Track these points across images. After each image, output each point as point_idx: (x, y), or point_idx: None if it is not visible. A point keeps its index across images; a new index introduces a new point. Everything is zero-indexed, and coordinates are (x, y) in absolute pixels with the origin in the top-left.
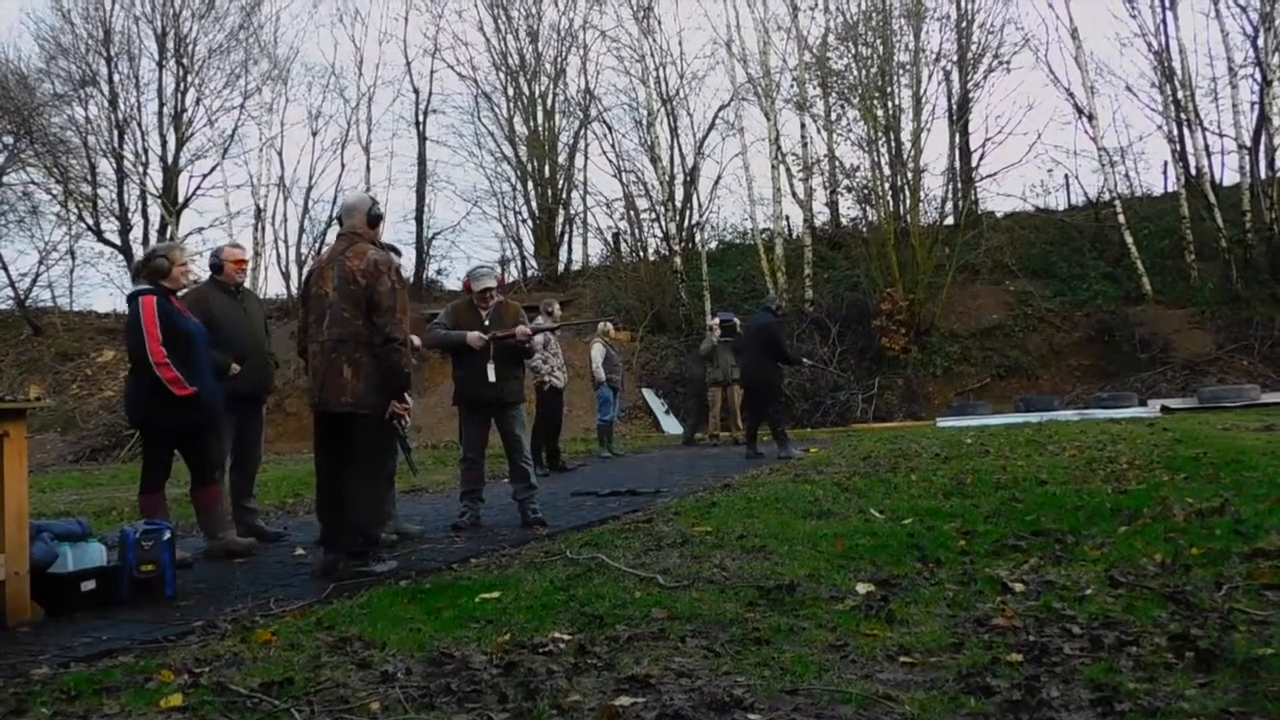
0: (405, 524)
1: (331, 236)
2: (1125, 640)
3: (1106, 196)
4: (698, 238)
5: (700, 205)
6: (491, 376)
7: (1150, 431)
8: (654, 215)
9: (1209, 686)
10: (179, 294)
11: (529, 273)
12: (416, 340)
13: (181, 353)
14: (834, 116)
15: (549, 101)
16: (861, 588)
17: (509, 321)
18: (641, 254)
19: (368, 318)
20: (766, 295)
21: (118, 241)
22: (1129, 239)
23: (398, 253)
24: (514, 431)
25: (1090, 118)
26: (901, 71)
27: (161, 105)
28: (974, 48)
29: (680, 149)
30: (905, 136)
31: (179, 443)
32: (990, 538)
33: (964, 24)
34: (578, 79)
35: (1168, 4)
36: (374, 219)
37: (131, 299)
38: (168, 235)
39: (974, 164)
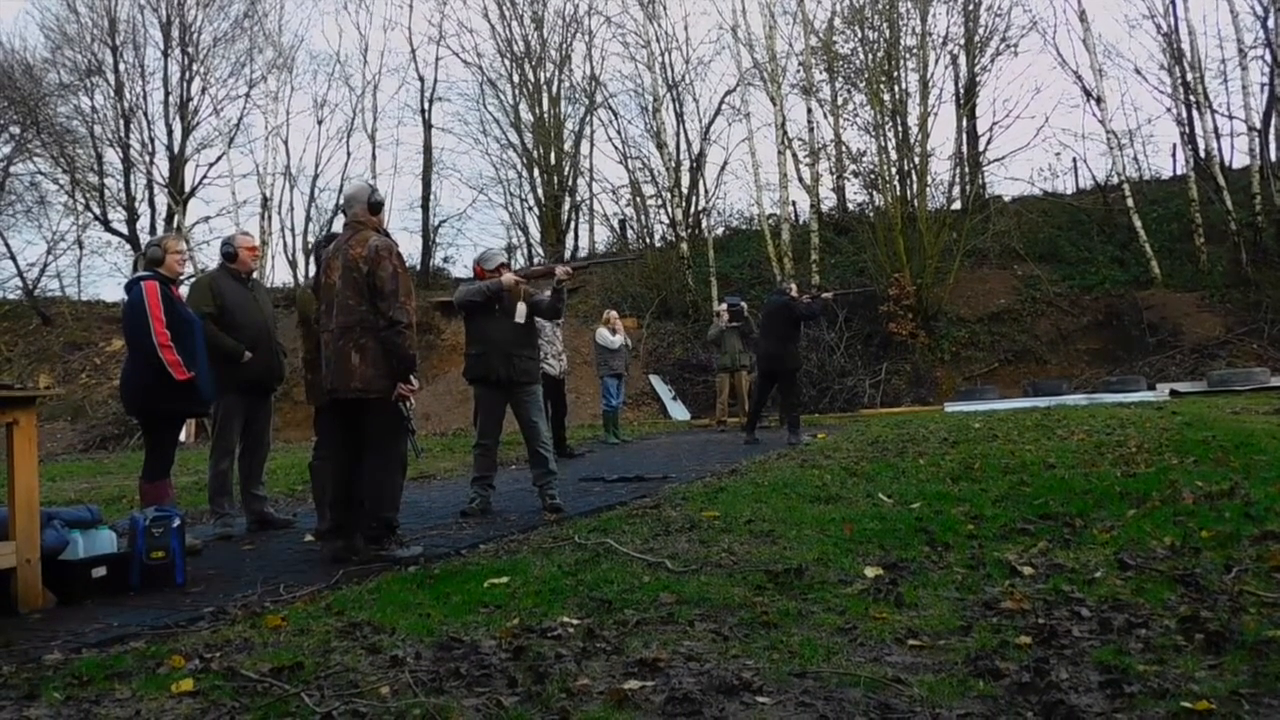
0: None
1: (339, 227)
2: (1134, 623)
3: (1115, 180)
4: (704, 224)
5: (706, 191)
6: (520, 317)
7: (1159, 415)
8: (660, 201)
9: (1219, 668)
10: (183, 281)
11: (535, 260)
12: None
13: (180, 340)
14: (840, 101)
15: (554, 88)
16: (870, 571)
17: (521, 293)
18: (648, 240)
19: (372, 303)
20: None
21: (125, 231)
22: (1137, 222)
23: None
24: (530, 417)
25: (1098, 100)
26: (908, 55)
27: (167, 94)
28: (981, 30)
29: (686, 135)
30: (912, 121)
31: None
32: (999, 521)
33: (971, 6)
34: (583, 65)
35: None
36: (375, 206)
37: (132, 284)
38: (174, 225)
39: (981, 148)
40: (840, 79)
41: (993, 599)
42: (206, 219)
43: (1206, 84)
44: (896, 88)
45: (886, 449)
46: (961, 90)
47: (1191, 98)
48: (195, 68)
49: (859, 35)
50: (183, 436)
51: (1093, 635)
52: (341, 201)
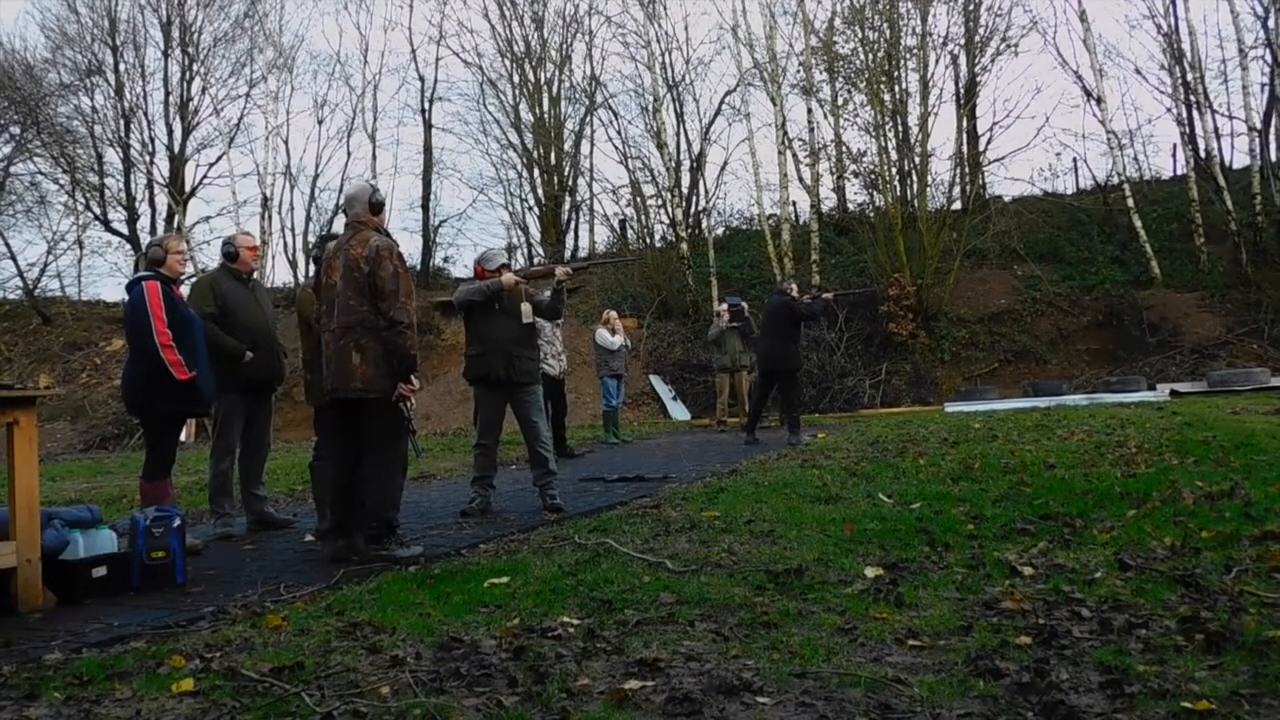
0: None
1: (339, 227)
2: (1135, 623)
3: (1115, 180)
4: (704, 224)
5: (706, 191)
6: (526, 318)
7: (1159, 415)
8: (660, 202)
9: (1219, 669)
10: (183, 280)
11: (535, 260)
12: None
13: (181, 340)
14: (841, 101)
15: (555, 88)
16: (870, 571)
17: (522, 293)
18: (648, 240)
19: (373, 303)
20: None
21: (125, 231)
22: (1138, 222)
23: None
24: (530, 417)
25: (1099, 101)
26: (909, 55)
27: (167, 94)
28: (982, 30)
29: (686, 135)
30: (912, 121)
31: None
32: (999, 522)
33: (971, 6)
34: (583, 65)
35: None
36: (376, 206)
37: (133, 284)
38: (175, 225)
39: (981, 148)
40: (840, 79)
41: (993, 599)
42: (207, 219)
43: (1206, 84)
44: (897, 88)
45: (886, 449)
46: (961, 90)
47: (1192, 98)
48: (195, 68)
49: (859, 35)
50: (183, 436)
51: (1093, 635)
52: (342, 201)
